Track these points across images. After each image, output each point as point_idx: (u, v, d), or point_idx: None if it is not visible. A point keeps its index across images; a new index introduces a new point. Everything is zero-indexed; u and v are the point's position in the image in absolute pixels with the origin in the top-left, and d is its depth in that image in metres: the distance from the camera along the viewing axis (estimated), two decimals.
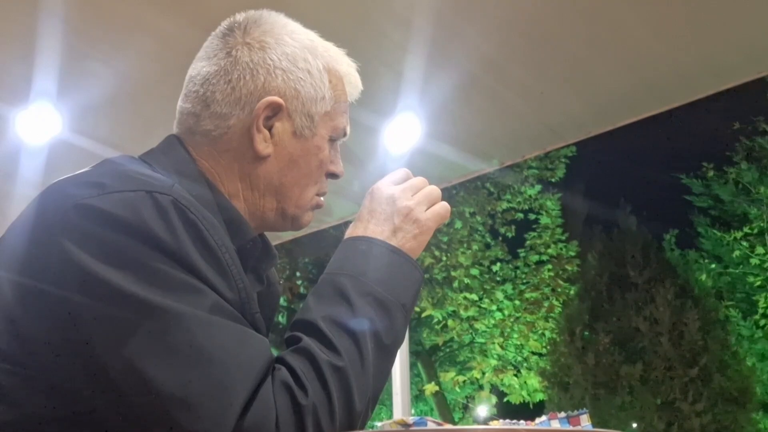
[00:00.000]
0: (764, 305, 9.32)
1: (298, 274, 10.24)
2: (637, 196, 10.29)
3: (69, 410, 0.58)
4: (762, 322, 9.33)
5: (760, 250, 9.56)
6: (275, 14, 0.78)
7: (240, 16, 0.77)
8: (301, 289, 10.06)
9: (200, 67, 0.76)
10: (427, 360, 11.16)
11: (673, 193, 11.27)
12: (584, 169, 11.57)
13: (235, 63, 0.74)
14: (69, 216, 0.61)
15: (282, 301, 9.99)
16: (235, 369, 0.57)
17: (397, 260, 0.70)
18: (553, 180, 10.53)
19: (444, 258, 10.07)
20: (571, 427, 0.62)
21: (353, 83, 0.81)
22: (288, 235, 3.90)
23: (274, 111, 0.73)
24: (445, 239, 10.10)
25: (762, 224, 9.66)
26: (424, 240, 0.74)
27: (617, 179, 14.32)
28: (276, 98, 0.73)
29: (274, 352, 0.61)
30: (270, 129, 0.74)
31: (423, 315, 9.98)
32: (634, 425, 6.91)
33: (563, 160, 10.52)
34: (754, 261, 9.60)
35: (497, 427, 0.50)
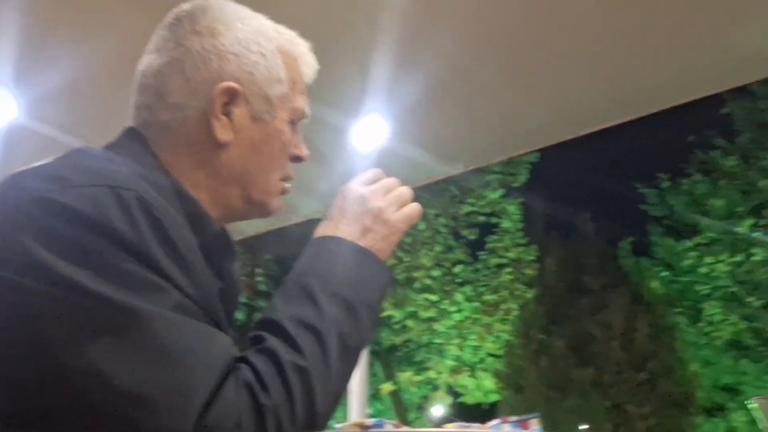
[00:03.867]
0: (710, 313, 9.65)
1: (259, 271, 10.16)
2: (596, 204, 10.57)
3: (25, 406, 0.57)
4: (707, 330, 9.66)
5: (708, 259, 9.90)
6: (222, 1, 0.77)
7: (186, 6, 0.76)
8: (262, 287, 9.98)
9: (151, 59, 0.75)
10: (384, 359, 11.21)
11: (629, 202, 11.60)
12: (546, 176, 11.79)
13: (187, 52, 0.73)
14: (29, 210, 0.59)
15: (243, 298, 9.90)
16: (196, 367, 0.56)
17: (366, 261, 0.70)
18: (515, 185, 10.70)
19: (406, 259, 10.13)
20: (521, 431, 0.64)
21: (308, 63, 0.80)
22: (251, 231, 3.87)
23: (231, 97, 0.72)
24: (408, 240, 10.17)
25: (712, 235, 10.01)
26: (394, 241, 0.73)
27: (577, 187, 14.65)
28: (231, 84, 0.72)
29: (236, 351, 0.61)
30: (228, 115, 0.73)
31: (383, 315, 10.02)
32: (584, 427, 7.09)
33: (526, 165, 10.70)
34: (702, 270, 9.94)
35: (452, 429, 0.51)
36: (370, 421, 0.55)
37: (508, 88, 3.28)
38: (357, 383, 3.75)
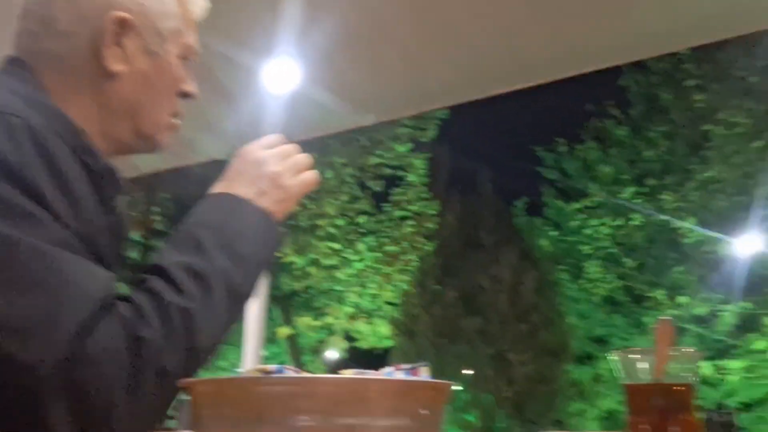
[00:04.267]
0: (590, 271, 10.46)
1: (156, 210, 9.79)
2: (497, 164, 10.99)
3: None
4: (586, 286, 10.48)
5: (593, 222, 10.65)
6: None
7: None
8: (159, 226, 9.65)
9: None
10: (283, 304, 11.29)
11: (528, 164, 12.15)
12: (454, 133, 12.07)
13: None
14: None
15: (136, 237, 9.53)
16: (70, 298, 0.55)
17: (259, 220, 0.71)
18: (423, 140, 10.89)
19: (311, 206, 10.13)
20: (412, 377, 0.68)
21: (198, 1, 0.80)
22: (149, 168, 3.73)
23: (123, 27, 0.71)
24: (316, 189, 10.15)
25: (598, 199, 10.74)
26: (289, 207, 0.75)
27: (481, 146, 15.13)
28: (123, 13, 0.70)
29: (123, 289, 0.61)
30: (120, 46, 0.71)
31: (284, 261, 10.04)
32: (468, 372, 7.57)
33: (436, 122, 10.88)
34: (587, 231, 10.69)
35: (348, 375, 0.54)
36: (272, 367, 0.58)
37: (421, 43, 3.33)
38: (253, 326, 3.78)
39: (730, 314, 8.95)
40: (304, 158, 0.79)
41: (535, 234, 10.72)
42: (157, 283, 0.61)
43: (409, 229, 10.57)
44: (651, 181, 10.35)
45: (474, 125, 13.51)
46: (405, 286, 9.84)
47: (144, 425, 0.58)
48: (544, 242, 10.80)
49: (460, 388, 7.33)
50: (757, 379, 8.42)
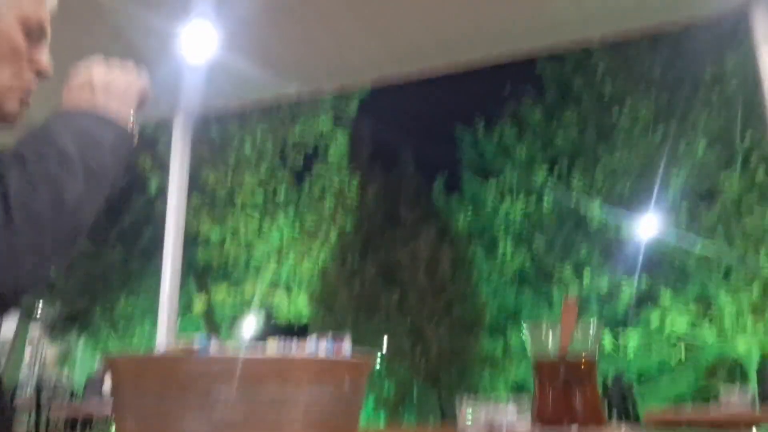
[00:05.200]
0: (503, 248, 10.87)
1: None
2: (418, 142, 11.12)
3: None
4: (499, 263, 10.89)
5: (508, 201, 11.04)
6: None
7: None
8: None
9: None
10: (200, 277, 11.02)
11: (447, 144, 12.39)
12: (376, 109, 12.09)
13: None
14: None
15: None
16: None
17: (97, 121, 0.71)
18: (346, 115, 10.83)
19: (229, 177, 9.89)
20: (335, 347, 0.70)
21: None
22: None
23: None
24: (233, 159, 9.90)
25: (513, 179, 11.13)
26: (129, 112, 0.75)
27: (403, 123, 15.23)
28: None
29: None
30: None
31: (201, 232, 9.77)
32: (386, 344, 7.72)
33: (358, 97, 10.84)
34: (502, 210, 11.08)
35: (274, 356, 0.54)
36: (197, 340, 0.57)
37: (347, 17, 3.29)
38: (167, 299, 3.68)
39: (628, 290, 9.59)
40: (129, 64, 0.80)
41: (452, 212, 10.99)
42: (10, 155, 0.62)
43: (330, 204, 10.55)
44: (562, 164, 10.82)
45: (395, 102, 13.58)
46: (324, 260, 9.85)
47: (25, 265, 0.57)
48: (460, 220, 11.10)
49: (377, 360, 7.47)
50: (651, 351, 9.11)
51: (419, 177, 8.99)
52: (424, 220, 8.30)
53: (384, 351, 7.59)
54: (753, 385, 6.98)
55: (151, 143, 9.37)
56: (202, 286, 10.96)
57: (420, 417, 7.34)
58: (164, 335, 3.59)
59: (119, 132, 0.73)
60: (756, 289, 8.56)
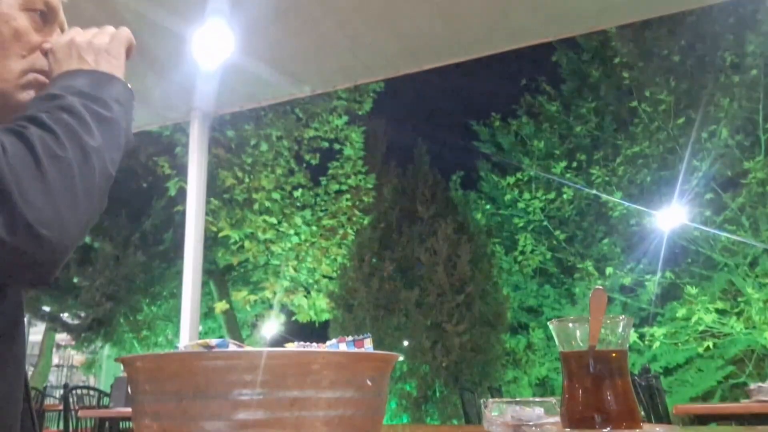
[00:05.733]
0: (522, 243, 10.78)
1: None
2: (433, 138, 11.07)
3: None
4: (519, 258, 10.81)
5: (526, 195, 10.95)
6: None
7: None
8: None
9: None
10: (219, 279, 11.10)
11: (463, 138, 12.32)
12: (389, 106, 12.08)
13: None
14: None
15: None
16: None
17: (94, 75, 0.71)
18: (360, 113, 10.82)
19: (246, 180, 9.93)
20: (356, 349, 0.68)
21: None
22: None
23: None
24: (249, 161, 9.94)
25: (531, 173, 11.03)
26: (120, 64, 0.75)
27: (417, 119, 15.19)
28: None
29: None
30: None
31: (220, 235, 9.83)
32: (406, 343, 7.68)
33: (371, 94, 10.83)
34: (520, 205, 10.99)
35: (293, 348, 0.55)
36: (214, 341, 0.57)
37: (359, 15, 3.27)
38: (190, 301, 3.69)
39: (652, 284, 9.44)
40: (107, 27, 0.79)
41: (470, 207, 10.92)
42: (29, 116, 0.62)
43: (346, 203, 10.55)
44: (581, 156, 10.70)
45: (409, 98, 13.55)
46: (342, 260, 9.86)
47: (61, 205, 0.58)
48: (478, 215, 11.03)
49: (400, 358, 7.45)
50: (677, 344, 8.97)
51: (436, 173, 8.94)
52: (441, 216, 8.24)
53: (405, 350, 7.56)
54: None
55: (168, 146, 9.44)
56: (222, 289, 11.04)
57: (442, 416, 7.30)
58: (187, 338, 3.60)
59: (116, 84, 0.72)
60: None
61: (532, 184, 11.00)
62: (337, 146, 10.75)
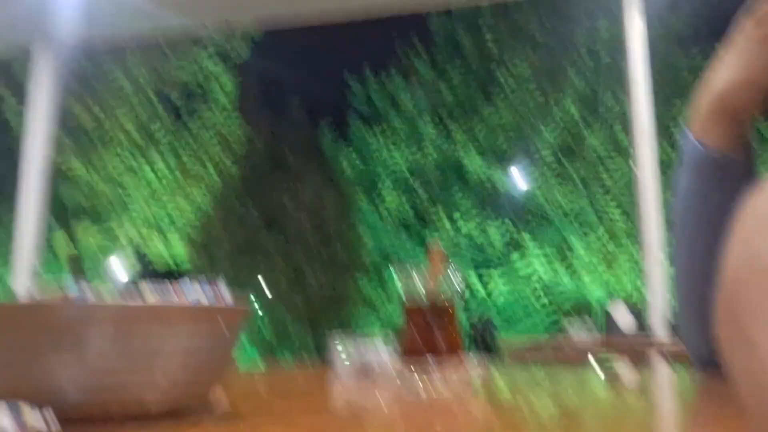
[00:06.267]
0: (386, 195, 11.17)
1: None
2: (308, 88, 10.95)
3: None
4: (381, 208, 11.20)
5: (392, 149, 11.29)
6: None
7: None
8: None
9: None
10: (66, 219, 10.33)
11: (337, 91, 12.30)
12: (266, 53, 11.67)
13: None
14: None
15: None
16: None
17: None
18: (234, 58, 10.40)
19: (101, 113, 9.24)
20: (209, 289, 0.71)
21: None
22: None
23: None
24: (106, 94, 9.23)
25: (398, 128, 11.35)
26: None
27: (293, 68, 14.86)
28: None
29: None
30: None
31: (70, 173, 9.12)
32: (265, 288, 7.76)
33: (248, 40, 10.42)
34: (386, 158, 11.31)
35: (144, 304, 0.49)
36: (71, 290, 0.54)
37: None
38: (26, 239, 3.46)
39: (498, 237, 10.27)
40: None
41: (339, 159, 11.05)
42: None
43: (213, 148, 10.20)
44: (445, 117, 11.17)
45: (287, 49, 13.20)
46: (205, 204, 9.59)
47: None
48: (346, 167, 11.20)
49: (256, 307, 7.51)
50: (514, 292, 9.90)
51: (308, 123, 8.92)
52: (310, 165, 8.30)
53: (263, 293, 7.64)
54: (599, 321, 7.87)
55: (4, 69, 8.47)
56: (67, 228, 10.30)
57: (296, 356, 7.52)
58: (24, 279, 3.39)
59: None
60: (608, 239, 9.51)
61: (398, 138, 11.33)
62: (208, 90, 10.28)
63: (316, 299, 7.55)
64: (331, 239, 7.84)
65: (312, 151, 8.66)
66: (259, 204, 8.04)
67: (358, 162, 11.59)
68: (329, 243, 7.83)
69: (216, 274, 7.25)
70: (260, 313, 7.58)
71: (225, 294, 0.70)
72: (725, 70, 0.68)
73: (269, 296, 7.58)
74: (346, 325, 7.26)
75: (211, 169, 10.08)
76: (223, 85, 10.30)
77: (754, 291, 0.11)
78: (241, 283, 7.33)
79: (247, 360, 7.35)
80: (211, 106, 10.32)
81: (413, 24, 11.65)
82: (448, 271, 1.02)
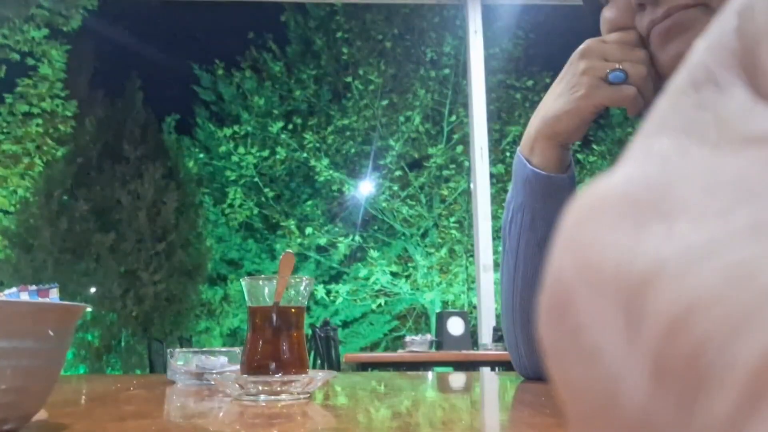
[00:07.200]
0: (232, 197, 10.84)
1: None
2: (150, 73, 10.31)
3: None
4: (227, 211, 10.85)
5: (241, 149, 10.99)
6: None
7: None
8: None
9: None
10: None
11: (184, 81, 11.73)
12: (102, 28, 10.79)
13: None
14: None
15: None
16: None
17: None
18: (65, 29, 9.45)
19: None
20: (40, 299, 0.65)
21: None
22: None
23: None
24: None
25: (248, 128, 11.09)
26: None
27: (134, 50, 13.89)
28: None
29: None
30: None
31: None
32: (93, 290, 7.16)
33: (81, 11, 9.53)
34: (234, 158, 10.99)
35: None
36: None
37: None
38: None
39: (344, 245, 10.42)
40: None
41: (182, 153, 10.54)
42: None
43: (37, 129, 9.19)
44: (297, 119, 11.13)
45: (128, 25, 12.31)
46: (24, 193, 8.62)
47: None
48: (190, 163, 10.72)
49: (88, 309, 6.89)
50: (356, 300, 10.10)
51: (149, 111, 8.38)
52: (150, 158, 7.80)
53: (92, 298, 7.04)
54: (432, 331, 8.28)
55: None
56: None
57: (126, 366, 7.03)
58: None
59: None
60: (444, 250, 10.08)
61: (248, 138, 11.07)
62: (31, 61, 9.24)
63: (151, 304, 7.11)
64: (170, 241, 7.43)
65: (153, 142, 8.16)
66: (90, 197, 7.40)
67: (204, 159, 11.14)
68: (168, 245, 7.42)
69: (38, 273, 6.54)
70: (87, 316, 6.97)
71: (54, 300, 0.64)
72: (553, 99, 0.76)
73: (97, 300, 7.00)
74: (184, 335, 6.92)
75: (34, 153, 9.08)
76: (51, 57, 9.34)
77: (588, 292, 0.10)
78: (65, 283, 6.69)
79: (68, 370, 6.72)
80: (36, 82, 9.32)
81: (266, 16, 11.51)
82: (298, 279, 1.01)
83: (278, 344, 0.94)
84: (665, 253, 0.10)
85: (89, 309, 6.76)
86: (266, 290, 0.96)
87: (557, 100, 0.75)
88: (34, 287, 0.72)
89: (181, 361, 0.99)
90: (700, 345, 0.09)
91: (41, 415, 0.54)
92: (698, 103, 0.12)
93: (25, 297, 0.67)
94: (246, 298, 0.97)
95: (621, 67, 0.70)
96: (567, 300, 0.11)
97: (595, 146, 10.31)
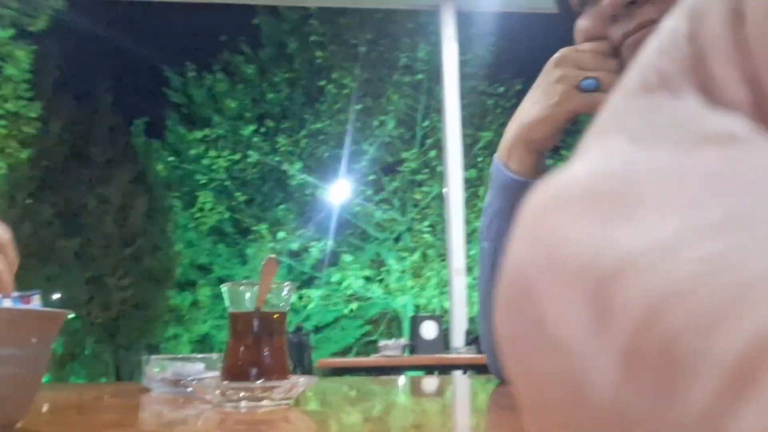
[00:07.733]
0: (202, 201, 10.71)
1: None
2: (119, 75, 10.13)
3: None
4: (197, 215, 10.70)
5: (212, 153, 10.87)
6: None
7: None
8: None
9: None
10: None
11: (153, 83, 11.55)
12: (71, 29, 10.57)
13: None
14: None
15: None
16: None
17: None
18: (31, 29, 9.23)
19: None
20: (23, 306, 0.64)
21: None
22: None
23: None
24: None
25: (220, 131, 10.98)
26: None
27: (104, 51, 13.65)
28: None
29: None
30: None
31: None
32: (57, 296, 7.00)
33: (49, 10, 9.32)
34: (205, 162, 10.86)
35: None
36: None
37: None
38: None
39: (317, 250, 10.38)
40: None
41: (152, 157, 10.37)
42: None
43: (0, 131, 8.96)
44: (269, 123, 11.06)
45: (97, 27, 12.09)
46: None
47: None
48: (160, 167, 10.55)
49: (70, 315, 6.73)
50: (328, 305, 10.06)
51: (117, 114, 8.23)
52: (118, 162, 7.67)
53: (56, 304, 6.87)
54: (405, 336, 8.30)
55: None
56: None
57: (91, 374, 6.88)
58: None
59: None
60: (417, 254, 10.11)
61: (219, 142, 10.96)
62: None
63: (118, 310, 6.97)
64: (138, 246, 7.30)
65: (121, 145, 8.02)
66: (55, 201, 7.23)
67: (174, 163, 10.98)
68: (137, 250, 7.29)
69: None
70: None
71: (36, 306, 0.63)
72: (530, 106, 0.79)
73: (63, 305, 6.84)
74: (152, 342, 6.81)
75: None
76: (16, 58, 9.12)
77: (552, 283, 0.10)
78: (29, 288, 6.51)
79: None
80: (1, 83, 9.09)
81: (238, 19, 11.41)
82: (280, 285, 1.00)
83: (260, 350, 0.93)
84: (634, 246, 0.10)
85: (71, 316, 6.61)
86: (248, 296, 0.95)
87: (533, 107, 0.77)
88: (17, 293, 0.70)
89: (156, 368, 0.97)
90: (674, 336, 0.09)
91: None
92: (652, 106, 0.12)
93: (8, 304, 0.66)
94: (227, 303, 0.96)
95: (594, 75, 0.72)
96: (528, 290, 0.10)
97: (563, 152, 10.48)
